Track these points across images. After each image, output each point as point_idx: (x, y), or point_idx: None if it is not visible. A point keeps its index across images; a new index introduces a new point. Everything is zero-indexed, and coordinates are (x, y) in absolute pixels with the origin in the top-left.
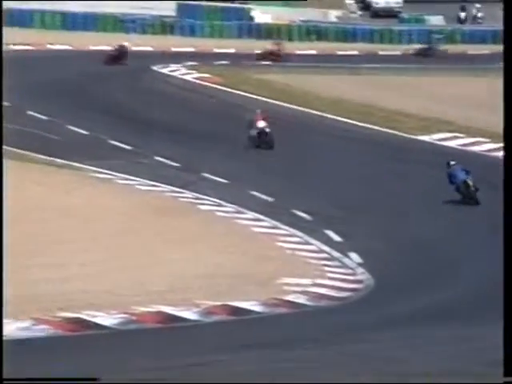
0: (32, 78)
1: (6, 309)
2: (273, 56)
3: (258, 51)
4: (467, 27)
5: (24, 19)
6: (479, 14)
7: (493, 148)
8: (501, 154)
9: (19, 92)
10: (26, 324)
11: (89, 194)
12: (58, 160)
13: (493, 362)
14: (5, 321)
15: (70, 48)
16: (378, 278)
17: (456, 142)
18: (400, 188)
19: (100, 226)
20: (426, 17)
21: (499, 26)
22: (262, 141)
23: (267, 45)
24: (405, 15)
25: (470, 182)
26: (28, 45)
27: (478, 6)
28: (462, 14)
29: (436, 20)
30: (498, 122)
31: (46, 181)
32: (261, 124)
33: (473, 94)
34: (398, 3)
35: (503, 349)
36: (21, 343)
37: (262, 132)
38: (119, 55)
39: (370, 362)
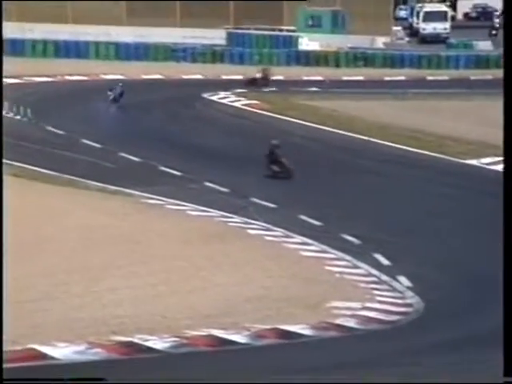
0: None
1: (62, 334)
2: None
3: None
4: None
5: (81, 50)
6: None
7: None
8: None
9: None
10: (82, 348)
11: (140, 220)
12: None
13: None
14: (61, 344)
15: (124, 78)
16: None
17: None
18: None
19: (151, 251)
20: (474, 42)
21: None
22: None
23: (314, 71)
24: (453, 41)
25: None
26: (83, 75)
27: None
28: (496, 21)
29: (484, 45)
30: None
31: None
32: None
33: None
34: (445, 29)
35: (503, 349)
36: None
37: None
38: None
39: None
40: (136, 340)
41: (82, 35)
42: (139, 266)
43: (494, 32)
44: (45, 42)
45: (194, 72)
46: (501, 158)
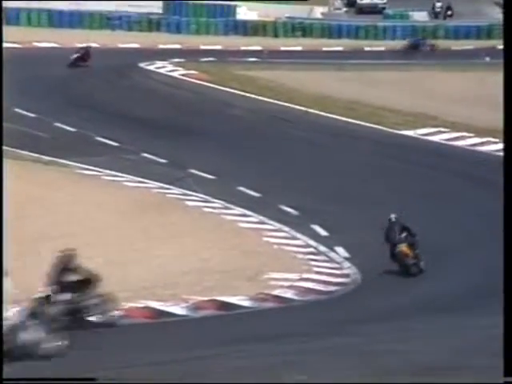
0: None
1: None
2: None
3: None
4: (451, 23)
5: (10, 17)
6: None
7: (478, 142)
8: (487, 148)
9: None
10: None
11: (75, 191)
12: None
13: None
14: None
15: (57, 46)
16: None
17: (440, 137)
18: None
19: (87, 222)
20: (410, 13)
21: (484, 21)
22: None
23: (252, 41)
24: (389, 11)
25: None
26: (15, 43)
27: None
28: (438, 5)
29: (420, 16)
30: (486, 117)
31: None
32: None
33: (459, 88)
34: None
35: (503, 349)
36: None
37: None
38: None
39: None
40: None
41: (13, 1)
42: (74, 237)
43: (449, 13)
44: None
45: (129, 41)
46: (437, 129)
